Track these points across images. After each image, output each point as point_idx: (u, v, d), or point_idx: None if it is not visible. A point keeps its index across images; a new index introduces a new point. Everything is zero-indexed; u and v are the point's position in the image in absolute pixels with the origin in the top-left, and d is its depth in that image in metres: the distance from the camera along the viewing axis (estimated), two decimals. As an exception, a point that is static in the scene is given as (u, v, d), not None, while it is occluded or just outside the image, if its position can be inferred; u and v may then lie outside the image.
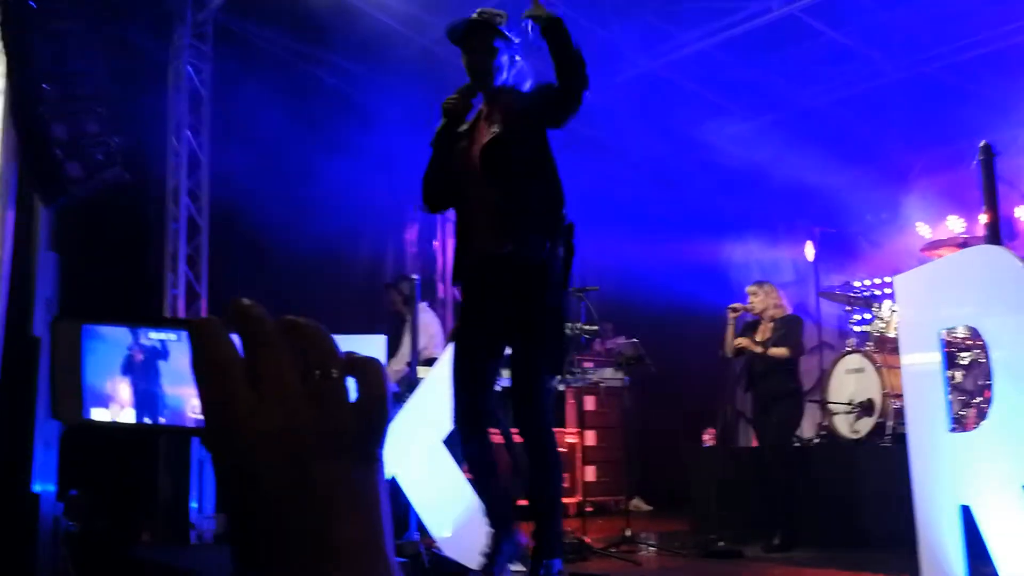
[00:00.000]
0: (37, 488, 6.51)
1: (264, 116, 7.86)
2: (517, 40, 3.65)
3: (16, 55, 6.27)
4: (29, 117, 6.11)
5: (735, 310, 6.45)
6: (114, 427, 0.64)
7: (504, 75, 3.64)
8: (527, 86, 3.70)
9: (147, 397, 0.65)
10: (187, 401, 0.64)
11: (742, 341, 6.23)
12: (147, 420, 0.65)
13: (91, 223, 6.96)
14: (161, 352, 0.65)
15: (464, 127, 3.75)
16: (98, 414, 0.65)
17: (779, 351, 6.09)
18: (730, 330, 6.44)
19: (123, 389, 0.65)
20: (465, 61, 3.67)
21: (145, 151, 7.50)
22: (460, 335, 3.76)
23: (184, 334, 0.61)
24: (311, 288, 7.90)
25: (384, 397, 0.58)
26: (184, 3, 7.38)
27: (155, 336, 0.65)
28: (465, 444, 3.68)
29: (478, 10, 3.68)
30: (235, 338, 0.57)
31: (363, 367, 0.58)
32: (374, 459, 0.58)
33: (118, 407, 0.65)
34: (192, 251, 7.57)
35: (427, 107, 7.59)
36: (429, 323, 7.06)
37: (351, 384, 0.58)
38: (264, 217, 7.76)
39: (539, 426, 3.56)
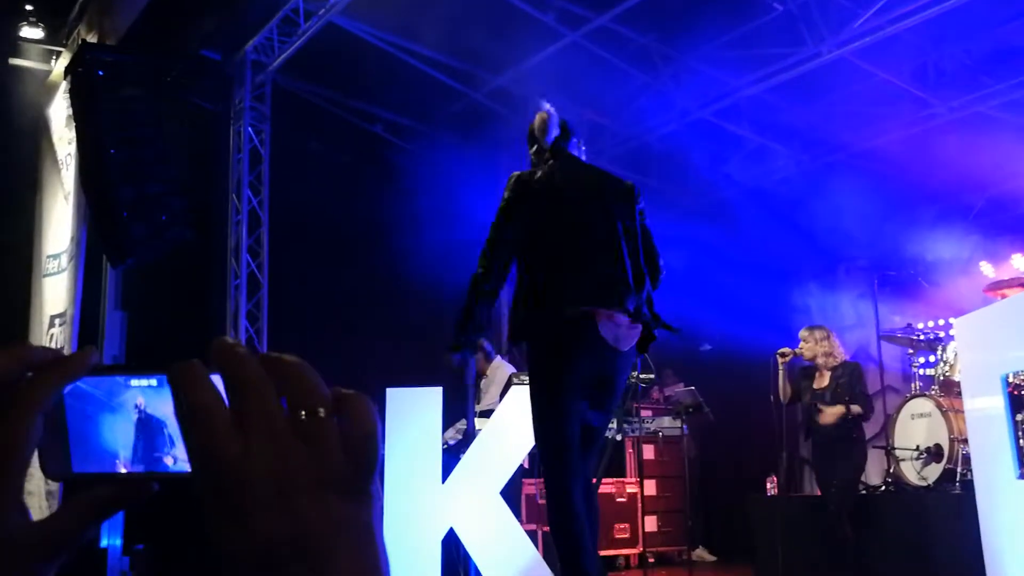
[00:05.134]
0: (104, 543, 6.64)
1: (321, 171, 8.04)
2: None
3: (85, 122, 6.52)
4: (97, 181, 6.33)
5: (784, 355, 6.35)
6: (107, 478, 0.62)
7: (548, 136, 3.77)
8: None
9: (146, 445, 0.62)
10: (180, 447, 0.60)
11: (834, 411, 6.07)
12: (144, 469, 0.62)
13: (156, 281, 7.15)
14: (152, 399, 0.62)
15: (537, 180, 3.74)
16: (97, 466, 0.62)
17: (855, 409, 6.00)
18: (781, 375, 6.33)
19: (121, 440, 0.62)
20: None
21: (207, 210, 7.71)
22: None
23: (163, 379, 0.60)
24: (370, 341, 7.98)
25: (373, 433, 0.56)
26: (243, 66, 7.60)
27: (136, 384, 0.62)
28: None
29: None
30: (218, 379, 0.56)
31: (349, 404, 0.57)
32: (367, 496, 0.56)
33: (120, 457, 0.62)
34: (253, 307, 7.71)
35: (479, 159, 7.76)
36: (499, 377, 6.97)
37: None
38: (323, 271, 7.90)
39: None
